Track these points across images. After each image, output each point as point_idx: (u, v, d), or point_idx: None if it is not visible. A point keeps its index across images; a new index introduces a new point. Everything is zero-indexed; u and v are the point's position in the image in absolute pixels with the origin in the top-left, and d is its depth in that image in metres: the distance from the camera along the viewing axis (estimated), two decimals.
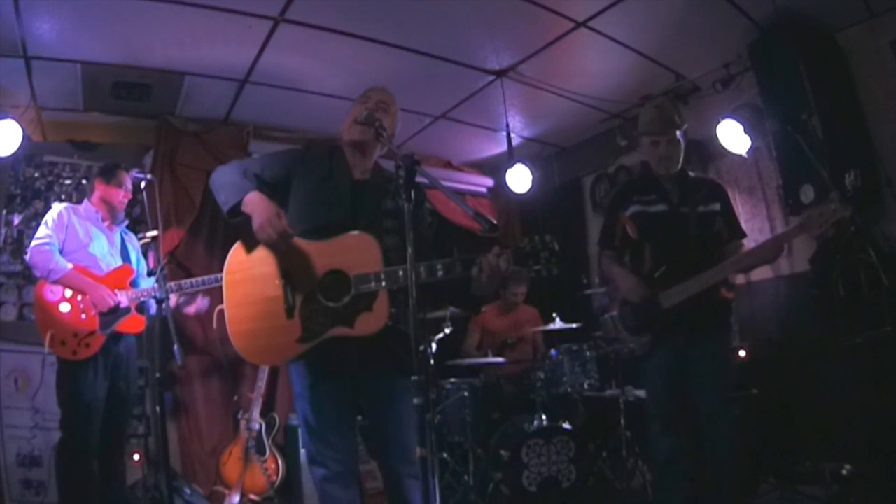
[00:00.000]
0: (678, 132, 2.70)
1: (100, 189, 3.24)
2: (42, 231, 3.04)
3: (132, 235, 3.45)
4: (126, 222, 3.39)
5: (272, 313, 1.98)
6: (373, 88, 2.24)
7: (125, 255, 3.30)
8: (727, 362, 2.63)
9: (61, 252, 3.04)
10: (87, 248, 3.11)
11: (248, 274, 2.04)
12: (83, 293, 3.01)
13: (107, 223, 3.26)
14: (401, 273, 1.88)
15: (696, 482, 2.80)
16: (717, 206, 2.68)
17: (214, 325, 3.89)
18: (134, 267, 3.29)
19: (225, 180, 2.06)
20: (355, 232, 1.97)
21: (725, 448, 2.52)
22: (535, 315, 4.69)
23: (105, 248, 3.19)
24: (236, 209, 1.97)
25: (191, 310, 3.36)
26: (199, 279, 3.33)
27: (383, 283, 1.91)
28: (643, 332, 2.67)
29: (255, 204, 1.94)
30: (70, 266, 2.99)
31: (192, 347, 4.22)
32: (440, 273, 1.90)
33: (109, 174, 3.25)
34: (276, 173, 2.11)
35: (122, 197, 3.24)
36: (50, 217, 3.09)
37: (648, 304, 2.62)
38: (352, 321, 1.93)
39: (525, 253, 1.91)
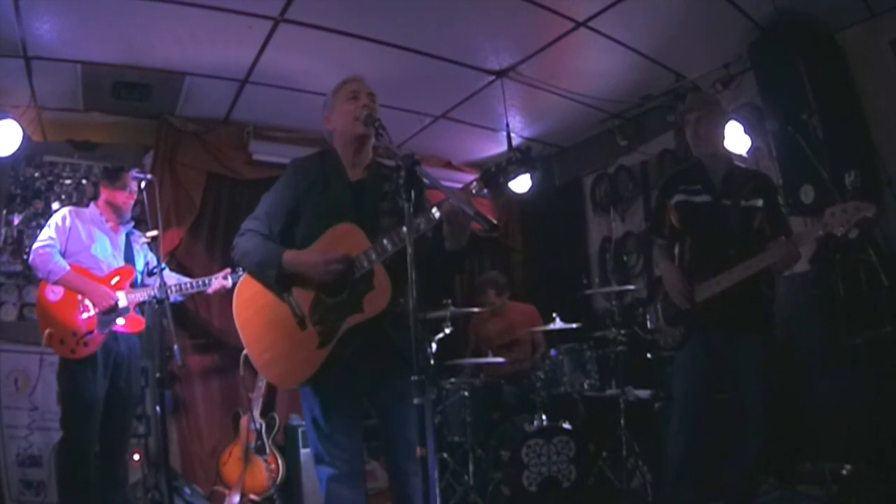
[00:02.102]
0: (716, 115, 2.72)
1: (105, 192, 3.26)
2: (44, 234, 3.06)
3: (139, 234, 3.45)
4: (132, 223, 3.40)
5: (288, 333, 2.01)
6: (354, 80, 2.19)
7: (129, 255, 3.30)
8: (767, 363, 2.56)
9: (63, 254, 3.05)
10: (89, 250, 3.12)
11: (254, 308, 2.07)
12: (82, 293, 3.03)
13: (111, 224, 3.27)
14: (385, 241, 1.91)
15: (706, 482, 2.80)
16: (759, 202, 2.63)
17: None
18: (137, 268, 3.30)
19: (254, 259, 2.04)
20: (336, 225, 2.00)
21: (751, 450, 2.51)
22: (531, 312, 4.65)
23: (108, 249, 3.20)
24: (281, 278, 1.99)
25: (210, 291, 3.35)
26: (197, 280, 3.35)
27: (374, 257, 1.93)
28: (679, 324, 2.68)
29: (298, 263, 1.97)
30: (68, 267, 3.00)
31: (193, 346, 4.23)
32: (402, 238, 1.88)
33: (113, 177, 3.27)
34: (285, 216, 2.11)
35: (126, 199, 3.25)
36: (53, 220, 3.12)
37: (683, 297, 2.61)
38: (360, 306, 1.95)
39: (492, 173, 1.88)
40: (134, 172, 3.16)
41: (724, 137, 2.75)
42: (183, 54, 3.64)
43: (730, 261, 2.52)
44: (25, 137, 3.58)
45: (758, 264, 2.46)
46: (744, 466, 2.54)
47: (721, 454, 2.73)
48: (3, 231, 3.91)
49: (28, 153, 3.90)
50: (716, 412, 2.70)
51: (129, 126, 4.32)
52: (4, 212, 3.92)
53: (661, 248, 2.86)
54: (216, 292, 3.38)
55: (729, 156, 2.75)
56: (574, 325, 4.13)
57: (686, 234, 2.75)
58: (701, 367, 2.61)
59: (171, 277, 3.37)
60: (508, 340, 4.56)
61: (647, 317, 2.86)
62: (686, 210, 2.72)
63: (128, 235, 3.35)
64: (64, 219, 3.13)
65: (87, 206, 3.30)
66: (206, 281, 3.33)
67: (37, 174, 4.05)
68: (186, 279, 3.41)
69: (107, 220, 3.26)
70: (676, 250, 2.81)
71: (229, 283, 3.35)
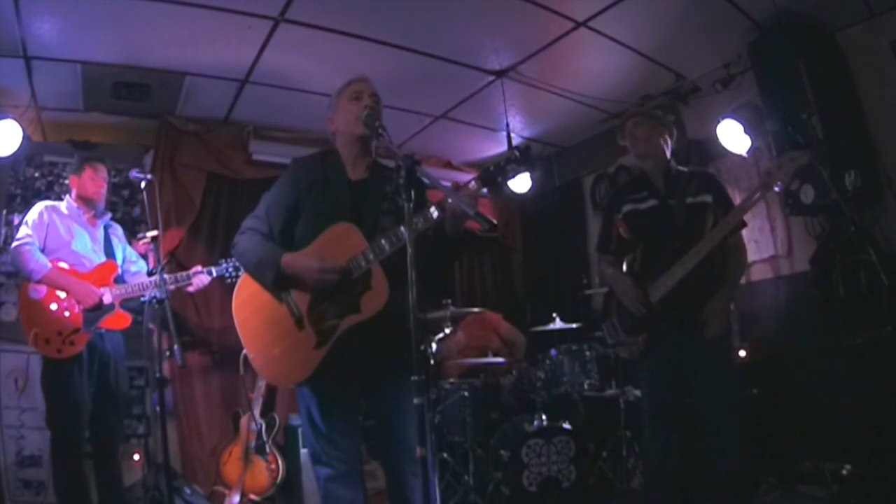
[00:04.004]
0: (653, 121, 2.74)
1: (74, 185, 3.22)
2: (22, 231, 3.01)
3: (116, 227, 3.42)
4: (109, 215, 3.36)
5: (285, 332, 2.01)
6: (358, 80, 2.20)
7: (109, 249, 3.27)
8: (728, 361, 2.60)
9: (43, 250, 3.01)
10: (70, 246, 3.08)
11: (253, 307, 2.08)
12: (66, 291, 2.99)
13: (88, 217, 3.22)
14: (383, 241, 1.91)
15: (689, 483, 2.81)
16: (707, 198, 2.65)
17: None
18: (118, 262, 3.26)
19: (252, 259, 2.05)
20: (334, 225, 2.00)
21: (728, 449, 2.51)
22: (488, 318, 4.58)
23: (88, 244, 3.17)
24: (279, 280, 2.00)
25: (191, 288, 3.33)
26: (174, 276, 3.31)
27: (372, 257, 1.93)
28: (639, 331, 2.67)
29: (295, 266, 1.97)
30: (50, 265, 2.96)
31: (191, 344, 4.22)
32: (400, 237, 1.89)
33: (79, 168, 3.22)
34: (285, 215, 2.11)
35: (95, 188, 3.21)
36: (30, 216, 3.07)
37: (638, 301, 2.62)
38: (358, 306, 1.96)
39: (490, 172, 1.90)
40: (134, 172, 3.15)
41: (662, 143, 2.75)
42: (183, 54, 3.64)
43: (678, 254, 2.53)
44: (25, 137, 3.57)
45: (708, 245, 2.47)
46: (728, 468, 2.53)
47: (708, 455, 2.74)
48: (3, 231, 3.90)
49: (28, 153, 3.90)
50: (689, 415, 2.71)
51: (129, 126, 4.32)
52: (4, 212, 3.92)
53: (608, 262, 2.87)
54: (198, 289, 3.34)
55: (668, 159, 2.76)
56: (574, 325, 4.13)
57: (637, 241, 2.76)
58: (664, 370, 2.63)
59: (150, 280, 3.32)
60: (490, 350, 4.44)
61: (605, 332, 2.86)
62: (635, 218, 2.74)
63: (106, 228, 3.31)
64: (41, 214, 3.07)
65: (63, 199, 3.24)
66: (185, 276, 3.28)
67: (37, 174, 4.04)
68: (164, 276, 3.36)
69: (83, 213, 3.21)
70: (626, 263, 2.80)
71: (207, 278, 3.32)
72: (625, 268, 2.80)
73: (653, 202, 2.71)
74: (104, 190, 3.26)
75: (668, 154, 2.75)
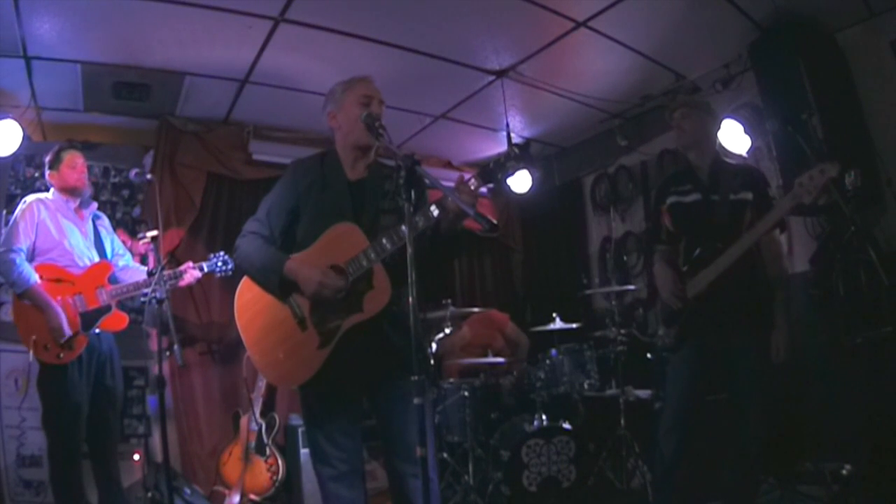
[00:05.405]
0: (701, 112, 2.72)
1: (53, 180, 3.15)
2: (11, 235, 2.94)
3: (103, 217, 3.39)
4: (95, 204, 3.33)
5: (288, 334, 2.02)
6: (366, 82, 2.18)
7: (99, 245, 3.24)
8: (763, 363, 2.54)
9: (35, 251, 2.97)
10: (64, 245, 3.04)
11: (255, 309, 2.08)
12: (42, 312, 2.88)
13: (75, 206, 3.17)
14: (384, 240, 1.91)
15: (695, 483, 2.81)
16: (748, 195, 2.61)
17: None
18: (110, 258, 3.24)
19: (255, 264, 2.05)
20: (335, 225, 2.01)
21: (750, 451, 2.51)
22: (490, 317, 4.58)
23: (80, 241, 3.13)
24: (283, 285, 2.00)
25: (183, 283, 3.28)
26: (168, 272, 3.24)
27: (373, 257, 1.94)
28: (674, 324, 2.67)
29: (297, 273, 1.97)
30: (33, 280, 2.88)
31: (191, 344, 4.22)
32: (400, 237, 1.90)
33: (55, 162, 3.15)
34: (286, 217, 2.12)
35: (78, 174, 3.14)
36: (20, 213, 3.01)
37: (675, 295, 2.61)
38: (360, 305, 1.97)
39: (490, 169, 1.91)
40: (134, 172, 3.14)
41: (710, 135, 2.75)
42: (183, 54, 3.64)
43: (716, 253, 2.52)
44: (25, 137, 3.56)
45: (738, 250, 2.46)
46: (743, 467, 2.53)
47: (719, 455, 2.73)
48: (3, 231, 3.90)
49: (28, 153, 3.89)
50: (709, 413, 2.70)
51: (129, 126, 4.31)
52: (4, 212, 3.91)
53: (662, 253, 2.85)
54: (189, 283, 3.30)
55: (716, 152, 2.74)
56: (574, 325, 4.13)
57: (681, 235, 2.75)
58: (694, 368, 2.61)
59: (140, 273, 3.29)
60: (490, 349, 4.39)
61: (649, 320, 2.86)
62: (678, 211, 2.73)
63: (94, 220, 3.28)
64: (32, 212, 3.00)
65: (49, 190, 3.18)
66: (176, 274, 3.25)
67: (37, 174, 4.03)
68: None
69: (71, 205, 3.15)
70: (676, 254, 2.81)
71: (198, 273, 3.30)
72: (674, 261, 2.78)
73: (696, 196, 2.68)
74: (85, 176, 3.19)
75: (716, 146, 2.74)
